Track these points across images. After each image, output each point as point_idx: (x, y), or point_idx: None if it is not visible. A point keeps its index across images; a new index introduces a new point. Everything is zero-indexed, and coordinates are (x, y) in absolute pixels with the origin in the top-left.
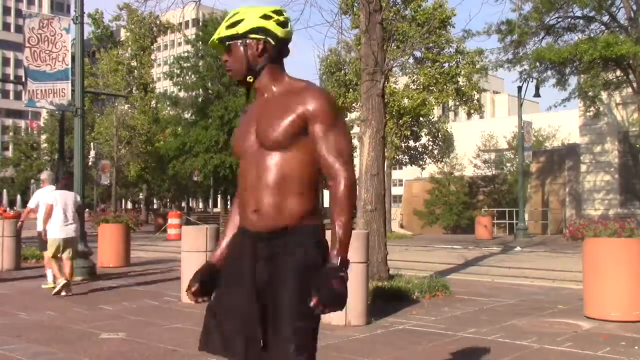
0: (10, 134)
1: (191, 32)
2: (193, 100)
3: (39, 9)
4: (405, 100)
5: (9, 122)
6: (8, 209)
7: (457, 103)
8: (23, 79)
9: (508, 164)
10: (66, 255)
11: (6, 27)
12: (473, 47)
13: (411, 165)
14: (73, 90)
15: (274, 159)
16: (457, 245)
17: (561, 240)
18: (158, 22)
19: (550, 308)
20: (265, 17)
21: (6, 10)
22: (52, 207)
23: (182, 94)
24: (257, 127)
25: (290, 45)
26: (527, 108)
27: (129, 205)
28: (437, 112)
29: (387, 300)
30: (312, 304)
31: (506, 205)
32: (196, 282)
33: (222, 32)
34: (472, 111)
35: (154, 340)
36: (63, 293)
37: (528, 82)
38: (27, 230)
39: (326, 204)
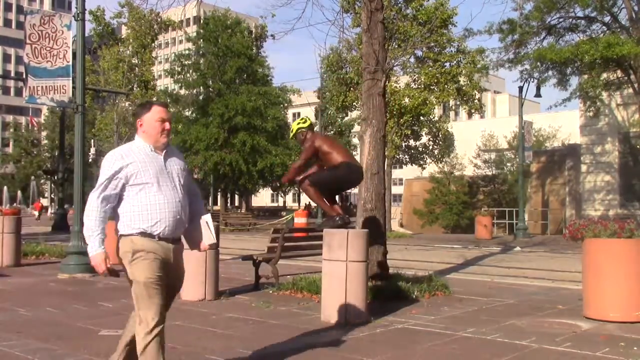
0: (11, 130)
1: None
2: (194, 98)
3: (40, 6)
4: (406, 100)
5: (9, 118)
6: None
7: (458, 102)
8: (24, 76)
9: (508, 164)
10: None
11: (7, 23)
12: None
13: (411, 165)
14: (74, 87)
15: None
16: (457, 245)
17: (561, 241)
18: (159, 19)
19: (550, 308)
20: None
21: (7, 7)
22: None
23: (182, 91)
24: None
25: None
26: (528, 108)
27: None
28: (437, 111)
29: (386, 299)
30: None
31: (506, 205)
32: None
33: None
34: (472, 111)
35: None
36: None
37: (529, 82)
38: (27, 227)
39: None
